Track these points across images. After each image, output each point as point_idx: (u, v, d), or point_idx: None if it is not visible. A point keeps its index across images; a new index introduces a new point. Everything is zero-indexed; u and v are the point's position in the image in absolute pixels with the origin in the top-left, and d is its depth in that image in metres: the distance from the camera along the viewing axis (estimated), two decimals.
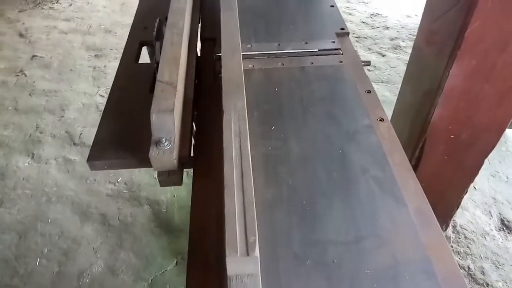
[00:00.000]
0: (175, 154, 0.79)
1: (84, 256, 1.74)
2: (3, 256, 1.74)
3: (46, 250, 1.76)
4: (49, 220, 1.88)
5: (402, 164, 0.86)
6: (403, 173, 0.84)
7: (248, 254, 0.60)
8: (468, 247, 1.74)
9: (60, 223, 1.87)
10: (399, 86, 1.46)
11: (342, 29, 1.29)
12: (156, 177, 0.81)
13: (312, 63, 1.14)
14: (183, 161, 0.84)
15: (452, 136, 1.21)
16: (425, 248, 0.70)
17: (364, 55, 2.90)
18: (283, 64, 1.14)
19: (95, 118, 2.49)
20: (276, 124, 0.95)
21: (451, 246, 1.69)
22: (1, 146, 2.30)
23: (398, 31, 3.15)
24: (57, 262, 1.72)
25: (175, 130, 0.81)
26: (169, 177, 0.82)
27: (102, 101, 2.64)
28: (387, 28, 3.20)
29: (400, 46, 2.98)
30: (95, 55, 3.12)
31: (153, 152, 0.78)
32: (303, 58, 1.16)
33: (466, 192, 1.43)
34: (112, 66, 2.97)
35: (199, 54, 1.23)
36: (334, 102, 1.01)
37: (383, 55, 2.90)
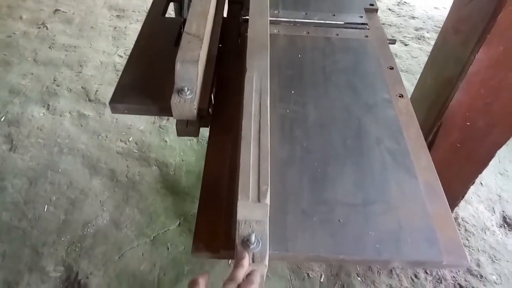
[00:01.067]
0: (195, 104, 0.80)
1: (91, 208, 1.78)
2: (13, 199, 1.79)
3: (54, 198, 1.80)
4: (59, 170, 1.92)
5: (417, 139, 0.87)
6: (417, 148, 0.85)
7: (259, 201, 0.62)
8: (467, 239, 1.75)
9: (70, 174, 1.91)
10: (418, 76, 1.46)
11: (372, 5, 1.27)
12: (175, 126, 0.83)
13: (338, 34, 1.14)
14: (202, 114, 0.85)
15: (468, 123, 1.21)
16: (430, 218, 0.71)
17: None
18: (308, 33, 1.14)
19: (112, 77, 2.50)
20: (296, 89, 0.96)
21: None
22: (18, 95, 2.33)
23: (424, 22, 3.09)
24: (64, 210, 1.77)
25: (197, 81, 0.82)
26: (187, 127, 0.83)
27: (120, 61, 2.65)
28: (413, 17, 3.14)
29: (424, 37, 2.93)
30: (117, 15, 3.11)
31: (175, 100, 0.79)
32: (329, 29, 1.15)
33: (473, 183, 1.44)
34: (133, 28, 2.97)
35: (225, 16, 1.23)
36: (356, 74, 1.01)
37: (406, 44, 2.86)
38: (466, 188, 1.45)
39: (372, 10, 1.26)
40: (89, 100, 2.34)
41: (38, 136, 2.09)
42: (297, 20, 1.18)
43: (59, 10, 3.13)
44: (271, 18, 1.16)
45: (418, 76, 2.50)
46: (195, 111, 0.81)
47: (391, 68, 1.06)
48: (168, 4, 1.19)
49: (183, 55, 0.83)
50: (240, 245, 0.62)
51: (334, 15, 1.20)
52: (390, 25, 3.03)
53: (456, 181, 1.42)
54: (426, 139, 1.21)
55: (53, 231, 1.69)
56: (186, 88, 0.80)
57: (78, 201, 1.81)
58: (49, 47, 2.74)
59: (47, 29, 2.91)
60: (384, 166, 0.80)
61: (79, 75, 2.51)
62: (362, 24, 1.18)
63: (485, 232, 1.77)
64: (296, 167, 0.78)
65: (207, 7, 0.96)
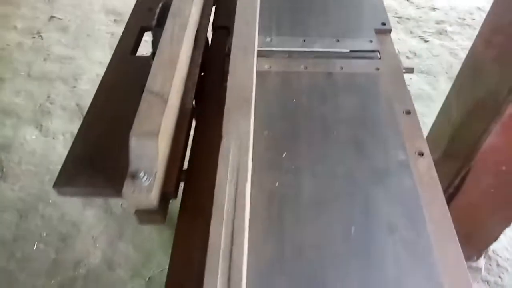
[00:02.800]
0: (155, 193, 0.63)
1: (82, 245, 1.66)
2: (1, 236, 1.69)
3: (44, 234, 1.69)
4: (51, 201, 1.80)
5: (442, 223, 0.68)
6: (443, 237, 0.66)
7: None
8: (499, 276, 1.55)
9: (61, 205, 1.79)
10: (440, 78, 1.24)
11: (384, 24, 1.06)
12: (134, 213, 0.66)
13: (342, 68, 0.94)
14: (168, 197, 0.68)
15: (504, 167, 1.00)
16: None
17: (404, 39, 2.61)
18: (306, 68, 0.94)
19: None
20: (289, 150, 0.77)
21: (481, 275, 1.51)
22: (11, 116, 2.21)
23: (446, 13, 2.81)
24: (55, 249, 1.65)
25: (158, 161, 0.64)
26: (148, 216, 0.67)
27: None
28: (434, 9, 2.85)
29: (446, 31, 2.66)
30: (114, 20, 2.95)
31: (127, 189, 0.62)
32: (331, 61, 0.95)
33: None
34: None
35: (209, 43, 1.04)
36: (364, 124, 0.82)
37: (426, 41, 2.60)
38: (503, 230, 1.25)
39: (384, 31, 1.05)
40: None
41: (29, 163, 1.97)
42: (293, 49, 0.98)
43: (54, 16, 2.98)
44: (261, 49, 0.97)
45: (440, 79, 2.24)
46: (156, 201, 0.64)
47: (408, 113, 0.86)
48: (141, 37, 1.02)
49: (139, 126, 0.66)
50: None
51: (338, 40, 1.00)
52: (408, 19, 2.77)
53: (491, 223, 1.22)
54: (451, 184, 1.00)
55: (43, 273, 1.57)
56: (142, 173, 0.63)
57: (70, 236, 1.69)
58: (44, 59, 2.61)
59: (42, 39, 2.78)
60: (398, 268, 0.61)
61: (74, 90, 2.37)
62: (372, 51, 0.98)
63: None
64: (284, 276, 0.61)
65: (176, 53, 0.78)
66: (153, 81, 0.72)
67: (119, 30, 2.89)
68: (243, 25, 0.89)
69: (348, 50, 0.98)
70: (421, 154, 0.78)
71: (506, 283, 1.52)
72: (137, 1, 1.10)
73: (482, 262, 1.50)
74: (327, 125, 0.82)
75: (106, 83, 0.87)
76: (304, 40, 1.00)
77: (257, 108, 0.78)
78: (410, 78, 2.24)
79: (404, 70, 0.98)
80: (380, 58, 0.97)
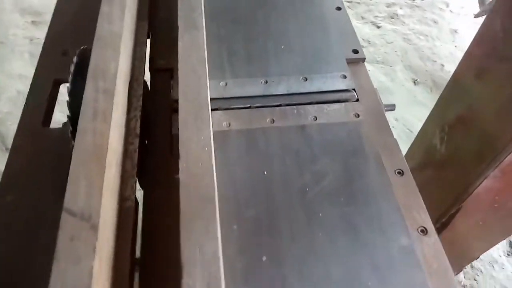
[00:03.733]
0: None
1: None
2: None
3: None
4: None
5: None
6: None
7: None
8: (475, 279, 1.53)
9: None
10: (396, 67, 1.11)
11: (356, 51, 0.90)
12: None
13: (316, 118, 0.77)
14: None
15: (496, 205, 0.91)
16: None
17: (357, 26, 2.48)
18: (273, 121, 0.77)
19: None
20: (269, 251, 0.61)
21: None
22: None
23: None
24: None
25: None
26: None
27: None
28: None
29: (397, 15, 2.57)
30: (32, 22, 2.55)
31: None
32: (302, 110, 0.79)
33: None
34: None
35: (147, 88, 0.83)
36: (353, 197, 0.67)
37: (379, 26, 2.49)
38: (486, 251, 1.19)
39: (357, 60, 0.90)
40: (6, 149, 1.88)
41: None
42: (254, 96, 0.80)
43: None
44: (216, 98, 0.78)
45: (396, 68, 2.15)
46: None
47: (401, 173, 0.72)
48: (56, 92, 0.78)
49: (61, 277, 0.46)
50: None
51: (306, 79, 0.83)
52: (359, 3, 2.64)
53: (476, 247, 1.15)
54: (438, 220, 0.89)
55: None
56: None
57: None
58: None
59: None
60: None
61: None
62: (348, 91, 0.82)
63: (493, 266, 1.55)
64: None
65: (103, 137, 0.57)
66: (74, 195, 0.52)
67: (41, 34, 2.51)
68: (190, 79, 0.69)
69: (319, 91, 0.82)
70: (424, 231, 0.65)
71: (482, 285, 1.51)
72: (45, 41, 0.85)
73: (461, 275, 1.47)
74: (310, 205, 0.66)
75: (9, 178, 0.64)
76: (266, 81, 0.82)
77: (220, 187, 0.60)
78: (369, 70, 2.13)
79: (386, 108, 0.84)
80: (357, 99, 0.81)
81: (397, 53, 2.32)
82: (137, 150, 0.68)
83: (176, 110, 0.77)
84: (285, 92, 0.81)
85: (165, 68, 0.84)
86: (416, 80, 2.22)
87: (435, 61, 2.32)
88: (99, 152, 0.56)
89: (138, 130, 0.70)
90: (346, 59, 0.87)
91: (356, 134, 0.75)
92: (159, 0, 0.96)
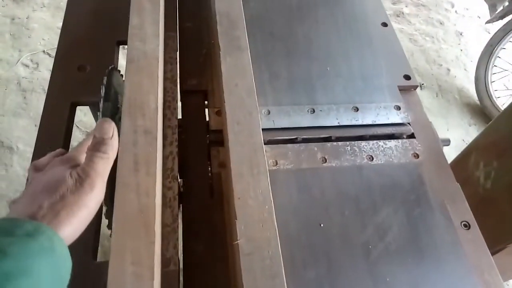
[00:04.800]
0: None
1: None
2: None
3: None
4: None
5: None
6: None
7: None
8: None
9: None
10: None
11: (408, 77, 0.82)
12: None
13: (372, 158, 0.69)
14: None
15: None
16: None
17: None
18: (325, 160, 0.68)
19: (18, 102, 1.86)
20: None
21: None
22: None
23: None
24: None
25: None
26: None
27: (26, 75, 1.97)
28: None
29: (403, 13, 2.49)
30: None
31: None
32: (355, 147, 0.70)
33: None
34: (38, 18, 2.23)
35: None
36: (420, 257, 0.60)
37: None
38: None
39: (409, 88, 0.81)
40: None
41: None
42: (301, 127, 0.71)
43: None
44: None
45: None
46: None
47: (467, 227, 0.65)
48: (73, 117, 0.66)
49: None
50: None
51: (356, 109, 0.74)
52: None
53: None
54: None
55: None
56: None
57: None
58: None
59: None
60: None
61: None
62: (403, 125, 0.74)
63: None
64: None
65: (150, 200, 0.47)
66: (118, 277, 0.42)
67: (22, 12, 2.29)
68: (240, 109, 0.59)
69: (372, 123, 0.73)
70: None
71: None
72: (57, 53, 0.72)
73: None
74: (375, 267, 0.58)
75: None
76: (313, 111, 0.73)
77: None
78: None
79: (443, 144, 0.76)
80: (413, 134, 0.73)
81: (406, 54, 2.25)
82: (176, 197, 0.58)
83: (215, 142, 0.67)
84: (336, 124, 0.72)
85: (197, 90, 0.73)
86: (423, 84, 2.17)
87: (441, 65, 2.27)
88: (146, 217, 0.46)
89: (176, 172, 0.59)
90: (398, 86, 0.79)
91: (418, 178, 0.68)
92: (184, 6, 0.84)
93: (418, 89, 0.83)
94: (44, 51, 2.08)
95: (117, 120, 0.59)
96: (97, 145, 0.45)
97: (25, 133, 1.73)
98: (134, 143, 0.51)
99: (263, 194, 0.53)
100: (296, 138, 0.70)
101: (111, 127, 0.47)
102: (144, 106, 0.54)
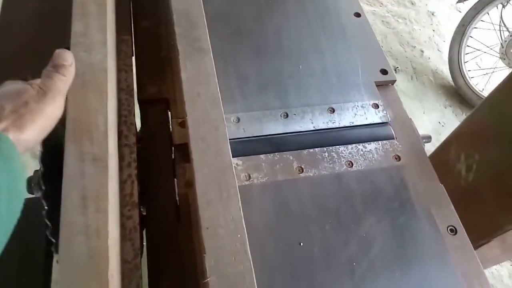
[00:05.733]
0: None
1: None
2: None
3: None
4: None
5: None
6: None
7: None
8: None
9: None
10: None
11: (385, 72, 0.77)
12: None
13: (351, 164, 0.64)
14: None
15: None
16: None
17: None
18: (301, 170, 0.63)
19: None
20: None
21: None
22: None
23: None
24: None
25: None
26: None
27: None
28: None
29: None
30: None
31: None
32: (333, 152, 0.65)
33: None
34: None
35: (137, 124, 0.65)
36: (408, 271, 0.56)
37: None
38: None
39: (386, 83, 0.76)
40: None
41: None
42: (275, 134, 0.65)
43: None
44: (230, 139, 0.62)
45: None
46: None
47: (453, 231, 0.61)
48: None
49: None
50: None
51: (332, 110, 0.69)
52: None
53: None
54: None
55: None
56: None
57: None
58: None
59: None
60: None
61: None
62: (383, 124, 0.69)
63: None
64: None
65: (102, 243, 0.40)
66: None
67: None
68: (204, 123, 0.53)
69: (350, 125, 0.68)
70: None
71: None
72: None
73: None
74: (361, 287, 0.54)
75: None
76: (286, 115, 0.67)
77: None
78: None
79: (424, 141, 0.72)
80: (393, 134, 0.69)
81: (378, 38, 2.21)
82: (138, 227, 0.51)
83: (180, 157, 0.61)
84: (311, 129, 0.66)
85: (157, 99, 0.66)
86: (397, 67, 2.14)
87: (414, 47, 2.24)
88: (97, 264, 0.40)
89: (136, 197, 0.53)
90: (375, 82, 0.74)
91: (400, 182, 0.63)
92: (140, 5, 0.76)
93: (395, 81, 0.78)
94: None
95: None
96: (57, 67, 0.46)
97: None
98: (81, 175, 0.44)
99: (234, 221, 0.47)
100: (269, 148, 0.64)
101: (71, 55, 0.48)
102: (92, 128, 0.47)
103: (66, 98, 0.50)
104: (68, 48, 0.61)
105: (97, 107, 0.49)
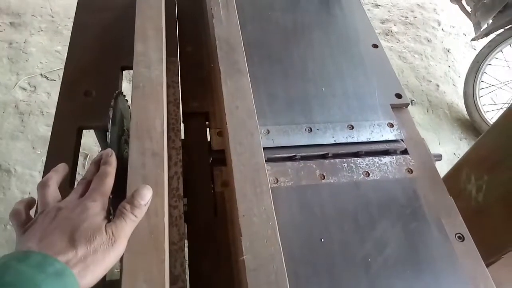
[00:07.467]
0: None
1: None
2: None
3: None
4: None
5: None
6: None
7: None
8: None
9: None
10: None
11: (399, 96, 0.86)
12: None
13: (368, 174, 0.72)
14: None
15: None
16: None
17: None
18: (323, 177, 0.71)
19: (15, 125, 1.87)
20: None
21: None
22: None
23: (389, 11, 2.71)
24: None
25: None
26: None
27: (23, 98, 2.00)
28: (377, 5, 2.74)
29: (392, 32, 2.57)
30: (10, 23, 2.36)
31: None
32: (352, 163, 0.73)
33: None
34: (35, 42, 2.27)
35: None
36: (418, 270, 0.62)
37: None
38: None
39: (400, 106, 0.85)
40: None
41: None
42: (300, 145, 0.74)
43: None
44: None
45: None
46: None
47: (461, 238, 0.68)
48: (79, 141, 0.68)
49: None
50: None
51: (352, 127, 0.77)
52: None
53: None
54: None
55: None
56: None
57: None
58: None
59: None
60: None
61: None
62: (396, 141, 0.77)
63: None
64: None
65: (159, 220, 0.49)
66: None
67: (20, 37, 2.33)
68: (241, 130, 0.62)
69: (367, 141, 0.76)
70: None
71: None
72: (64, 79, 0.75)
73: None
74: (376, 280, 0.60)
75: None
76: (310, 129, 0.76)
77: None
78: None
79: (435, 159, 0.79)
80: (406, 150, 0.76)
81: (396, 71, 2.31)
82: (182, 216, 0.60)
83: (217, 162, 0.70)
84: (332, 142, 0.75)
85: (198, 112, 0.76)
86: (413, 100, 2.22)
87: (430, 81, 2.33)
88: (156, 237, 0.48)
89: (181, 191, 0.62)
90: (390, 105, 0.82)
91: (413, 193, 0.70)
92: (184, 32, 0.88)
93: (409, 106, 0.86)
94: (41, 74, 2.11)
95: (122, 142, 0.61)
96: (133, 207, 0.47)
97: (22, 155, 1.74)
98: (142, 166, 0.53)
99: (266, 212, 0.55)
100: (295, 156, 0.72)
101: (150, 193, 0.49)
102: (151, 130, 0.57)
103: (129, 105, 0.60)
104: (128, 67, 0.72)
105: (155, 113, 0.59)
